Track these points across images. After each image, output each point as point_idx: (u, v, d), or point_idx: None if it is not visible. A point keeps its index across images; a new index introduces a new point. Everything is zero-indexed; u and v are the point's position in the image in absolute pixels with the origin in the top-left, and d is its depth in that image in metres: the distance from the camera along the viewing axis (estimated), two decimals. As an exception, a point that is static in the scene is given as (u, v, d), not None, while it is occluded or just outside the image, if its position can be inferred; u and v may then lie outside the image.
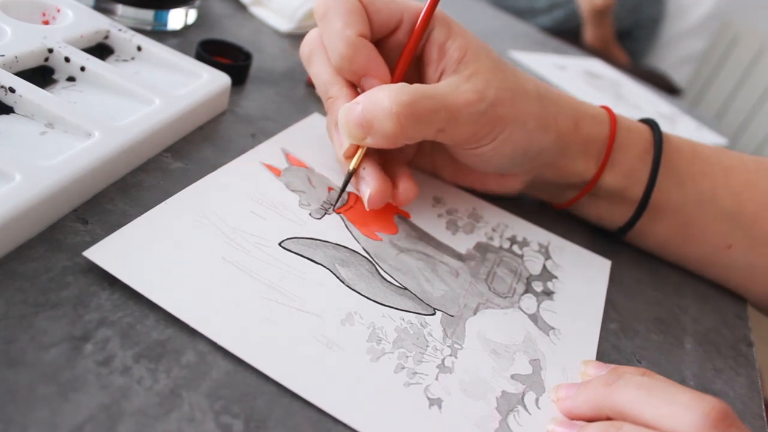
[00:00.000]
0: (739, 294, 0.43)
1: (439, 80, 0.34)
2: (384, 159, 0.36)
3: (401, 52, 0.35)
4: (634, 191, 0.39)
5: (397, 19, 0.35)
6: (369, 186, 0.33)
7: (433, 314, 0.30)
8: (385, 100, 0.31)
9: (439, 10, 0.35)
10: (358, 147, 0.33)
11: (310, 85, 0.47)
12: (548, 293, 0.35)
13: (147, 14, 0.44)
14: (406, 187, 0.35)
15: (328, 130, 0.36)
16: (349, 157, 0.34)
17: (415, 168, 0.41)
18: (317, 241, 0.31)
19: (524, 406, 0.27)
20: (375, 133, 0.31)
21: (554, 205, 0.43)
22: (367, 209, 0.34)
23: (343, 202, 0.35)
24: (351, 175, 0.34)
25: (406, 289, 0.31)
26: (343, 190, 0.34)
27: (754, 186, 0.39)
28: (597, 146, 0.38)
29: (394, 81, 0.34)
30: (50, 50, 0.34)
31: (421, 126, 0.31)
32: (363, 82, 0.34)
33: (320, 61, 0.35)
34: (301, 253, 0.30)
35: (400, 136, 0.31)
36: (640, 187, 0.39)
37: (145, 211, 0.29)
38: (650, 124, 0.40)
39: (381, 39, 0.35)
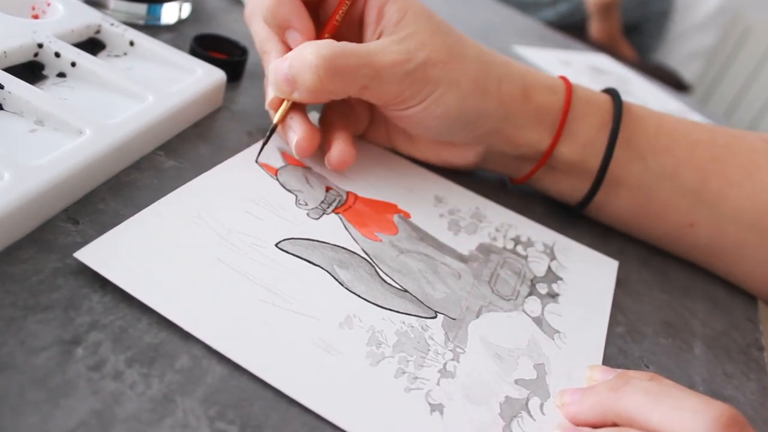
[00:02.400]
0: (705, 269, 0.43)
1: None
2: (331, 126, 0.37)
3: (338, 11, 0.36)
4: (592, 163, 0.39)
5: None
6: (296, 133, 0.35)
7: (435, 317, 0.30)
8: (308, 54, 0.32)
9: None
10: (282, 100, 0.35)
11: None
12: (553, 295, 0.35)
13: (140, 8, 0.44)
14: (341, 148, 0.35)
15: (264, 86, 0.38)
16: (275, 107, 0.35)
17: (372, 141, 0.41)
18: (315, 242, 0.31)
19: (528, 412, 0.27)
20: (299, 87, 0.33)
21: (514, 181, 0.43)
22: (296, 156, 0.35)
23: (264, 148, 0.36)
24: (275, 126, 0.35)
25: (406, 291, 0.31)
26: (266, 140, 0.35)
27: (720, 161, 0.39)
28: (551, 116, 0.38)
29: (321, 36, 0.36)
30: (40, 45, 0.34)
31: (343, 81, 0.33)
32: (287, 36, 0.35)
33: (258, 19, 0.37)
34: (298, 254, 0.30)
35: (321, 90, 0.33)
36: (598, 159, 0.39)
37: (138, 211, 0.29)
38: (612, 94, 0.40)
39: (321, 1, 0.37)
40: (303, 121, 0.35)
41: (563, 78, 0.40)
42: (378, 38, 0.35)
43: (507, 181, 0.44)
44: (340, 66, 0.32)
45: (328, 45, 0.32)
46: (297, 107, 0.35)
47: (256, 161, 0.35)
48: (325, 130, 0.37)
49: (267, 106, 0.36)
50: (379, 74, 0.33)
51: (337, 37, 0.35)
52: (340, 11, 0.36)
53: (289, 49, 0.35)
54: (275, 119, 0.35)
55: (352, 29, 0.37)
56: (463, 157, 0.40)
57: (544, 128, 0.38)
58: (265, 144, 0.35)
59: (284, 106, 0.35)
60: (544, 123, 0.38)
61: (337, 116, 0.38)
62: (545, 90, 0.38)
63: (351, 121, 0.39)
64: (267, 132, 0.35)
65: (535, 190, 0.43)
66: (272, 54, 0.36)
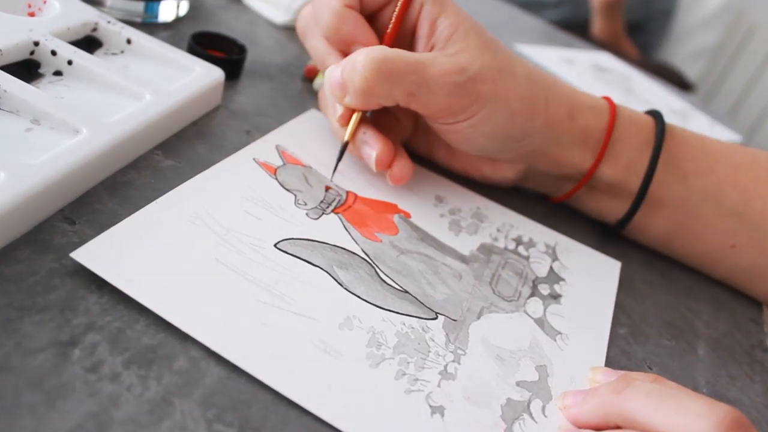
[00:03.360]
0: (747, 295, 0.43)
1: None
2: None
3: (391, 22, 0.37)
4: (633, 183, 0.39)
5: None
6: (373, 148, 0.35)
7: (435, 318, 0.30)
8: (359, 56, 0.33)
9: None
10: (352, 113, 0.36)
11: (307, 79, 0.47)
12: (555, 296, 0.35)
13: (137, 5, 0.44)
14: (402, 164, 0.36)
15: (322, 104, 0.39)
16: (344, 123, 0.36)
17: (411, 149, 0.42)
18: (314, 243, 0.31)
19: (530, 414, 0.27)
20: (349, 90, 0.34)
21: (552, 199, 0.43)
22: (375, 170, 0.36)
23: (336, 170, 0.37)
24: (347, 144, 0.36)
25: (406, 292, 0.31)
26: (339, 158, 0.36)
27: (763, 183, 0.39)
28: (594, 137, 0.38)
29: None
30: (36, 43, 0.34)
31: (390, 85, 0.33)
32: (352, 51, 0.36)
33: (315, 35, 0.37)
34: (297, 254, 0.30)
35: (368, 93, 0.33)
36: (639, 179, 0.39)
37: (135, 210, 0.29)
38: (655, 115, 0.41)
39: (375, 13, 0.38)
40: (376, 134, 0.36)
41: (607, 98, 0.40)
42: (429, 52, 0.36)
43: (546, 198, 0.44)
44: (387, 69, 0.33)
45: (378, 49, 0.33)
46: (365, 122, 0.36)
47: (331, 179, 0.36)
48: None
49: (334, 124, 0.37)
50: (427, 83, 0.33)
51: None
52: (398, 22, 0.36)
53: None
54: (347, 135, 0.36)
55: (404, 42, 0.37)
56: (503, 174, 0.40)
57: (587, 149, 0.38)
58: (338, 162, 0.36)
59: (354, 120, 0.36)
60: (588, 144, 0.38)
61: (384, 123, 0.38)
62: (590, 111, 0.38)
63: (396, 129, 0.39)
64: (338, 151, 0.36)
65: (574, 208, 0.43)
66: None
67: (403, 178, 0.36)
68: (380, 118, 0.39)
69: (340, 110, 0.36)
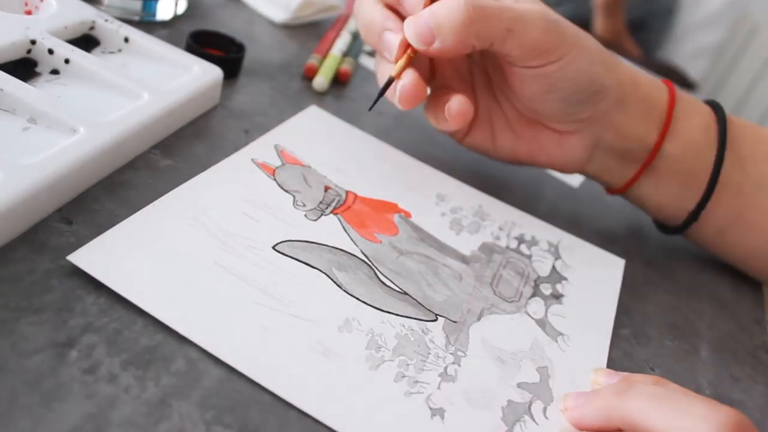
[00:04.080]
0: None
1: None
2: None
3: None
4: (695, 166, 0.39)
5: None
6: (402, 80, 0.35)
7: (435, 320, 0.30)
8: (452, 1, 0.33)
9: None
10: (405, 52, 0.36)
11: (306, 78, 0.47)
12: (557, 297, 0.35)
13: (135, 4, 0.44)
14: (459, 99, 0.36)
15: (377, 70, 0.39)
16: (398, 60, 0.36)
17: (474, 145, 0.41)
18: (313, 244, 0.31)
19: (531, 416, 0.27)
20: (443, 33, 0.33)
21: (613, 191, 0.42)
22: (399, 106, 0.36)
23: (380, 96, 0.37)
24: (392, 80, 0.36)
25: (406, 294, 0.31)
26: (381, 93, 0.36)
27: None
28: (657, 110, 0.39)
29: None
30: (33, 42, 0.34)
31: (490, 21, 0.33)
32: (403, 1, 0.36)
33: (370, 2, 0.37)
34: (296, 256, 0.30)
35: (469, 31, 0.33)
36: (700, 163, 0.39)
37: (133, 211, 0.29)
38: (711, 103, 0.41)
39: None
40: (413, 72, 0.36)
41: (665, 80, 0.41)
42: None
43: (604, 191, 0.43)
44: (486, 6, 0.33)
45: None
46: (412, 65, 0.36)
47: (370, 109, 0.37)
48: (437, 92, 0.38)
49: (391, 71, 0.36)
50: (523, 18, 0.34)
51: None
52: None
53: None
54: (395, 69, 0.36)
55: None
56: (571, 150, 0.40)
57: (651, 122, 0.38)
58: (380, 96, 0.36)
59: (403, 59, 0.36)
60: (651, 116, 0.38)
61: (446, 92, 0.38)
62: (651, 83, 0.39)
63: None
64: (382, 85, 0.36)
65: (633, 204, 0.43)
66: (379, 18, 0.36)
67: (461, 114, 0.36)
68: (441, 92, 0.38)
69: (393, 51, 0.36)
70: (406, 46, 0.36)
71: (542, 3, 0.36)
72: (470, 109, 0.37)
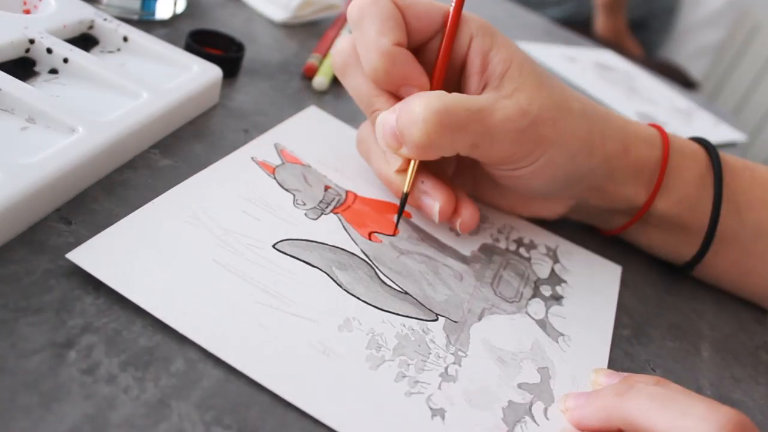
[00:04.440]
0: None
1: (481, 93, 0.34)
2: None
3: (436, 58, 0.34)
4: (688, 219, 0.38)
5: (438, 24, 0.34)
6: (436, 199, 0.34)
7: (436, 320, 0.30)
8: (417, 106, 0.31)
9: (483, 20, 0.35)
10: (409, 162, 0.34)
11: (306, 77, 0.47)
12: (557, 298, 0.35)
13: (134, 3, 0.44)
14: (470, 211, 0.35)
15: (364, 149, 0.37)
16: (403, 173, 0.34)
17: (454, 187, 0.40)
18: (313, 243, 0.31)
19: (532, 417, 0.27)
20: (406, 142, 0.31)
21: (602, 232, 0.42)
22: (437, 222, 0.35)
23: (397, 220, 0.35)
24: (407, 195, 0.34)
25: (407, 293, 0.31)
26: (401, 212, 0.35)
27: None
28: (648, 171, 0.37)
29: (433, 88, 0.34)
30: (31, 41, 0.34)
31: (452, 137, 0.31)
32: (402, 92, 0.33)
33: (357, 73, 0.34)
34: (296, 255, 0.30)
35: (429, 147, 0.31)
36: (695, 215, 0.38)
37: (132, 210, 0.29)
38: (703, 144, 0.40)
39: (422, 45, 0.35)
40: (438, 184, 0.34)
41: (657, 127, 0.39)
42: (483, 89, 0.34)
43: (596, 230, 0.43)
44: (449, 122, 0.31)
45: (437, 96, 0.31)
46: (422, 170, 0.35)
47: (395, 229, 0.35)
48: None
49: (387, 172, 0.35)
50: (490, 132, 0.32)
51: (443, 86, 0.34)
52: (446, 57, 0.34)
53: (398, 100, 0.34)
54: (406, 186, 0.34)
55: (453, 77, 0.35)
56: (553, 210, 0.39)
57: (641, 183, 0.37)
58: (399, 218, 0.35)
59: (411, 169, 0.34)
60: (642, 178, 0.37)
61: (429, 163, 0.35)
62: (643, 144, 0.37)
63: (443, 167, 0.38)
64: (400, 202, 0.34)
65: (627, 241, 0.43)
66: (383, 111, 0.34)
67: (472, 226, 0.35)
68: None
69: (393, 159, 0.34)
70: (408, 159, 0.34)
71: (533, 74, 0.33)
72: (477, 219, 0.35)
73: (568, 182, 0.36)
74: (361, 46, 0.33)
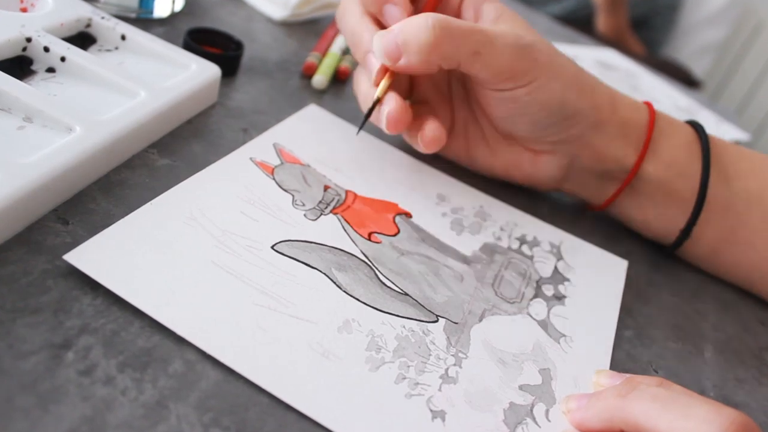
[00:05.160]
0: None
1: None
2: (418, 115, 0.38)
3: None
4: (678, 185, 0.39)
5: None
6: (387, 105, 0.36)
7: (436, 321, 0.30)
8: (421, 18, 0.34)
9: None
10: (385, 74, 0.36)
11: (305, 76, 0.47)
12: (559, 298, 0.35)
13: (131, 1, 0.44)
14: (433, 126, 0.37)
15: (355, 83, 0.40)
16: (378, 83, 0.37)
17: (449, 155, 0.42)
18: (312, 244, 0.31)
19: (533, 419, 0.27)
20: (409, 50, 0.34)
21: (594, 207, 0.43)
22: (386, 131, 0.36)
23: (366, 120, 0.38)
24: (376, 102, 0.36)
25: (407, 294, 0.31)
26: (367, 117, 0.37)
27: None
28: (636, 132, 0.39)
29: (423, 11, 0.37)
30: (28, 39, 0.34)
31: (457, 42, 0.34)
32: (385, 10, 0.37)
33: (351, 13, 0.38)
34: (295, 256, 0.30)
35: (435, 50, 0.33)
36: (686, 181, 0.39)
37: (130, 211, 0.29)
38: (692, 123, 0.41)
39: None
40: (397, 96, 0.36)
41: (645, 102, 0.41)
42: None
43: (586, 208, 0.44)
44: (454, 27, 0.33)
45: (438, 14, 0.34)
46: (391, 88, 0.37)
47: (357, 134, 0.39)
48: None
49: (364, 90, 0.38)
50: (492, 42, 0.34)
51: None
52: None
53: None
54: (378, 91, 0.36)
55: None
56: (546, 169, 0.40)
57: (629, 144, 0.39)
58: (365, 120, 0.37)
59: (385, 81, 0.36)
60: (630, 138, 0.38)
61: (423, 111, 0.39)
62: (630, 106, 0.39)
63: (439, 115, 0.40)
64: (366, 110, 0.37)
65: (621, 221, 0.43)
66: (366, 36, 0.37)
67: (434, 141, 0.37)
68: (419, 110, 0.39)
69: (376, 71, 0.36)
70: (386, 68, 0.36)
71: (524, 25, 0.37)
72: (443, 136, 0.37)
73: (559, 117, 0.37)
74: None
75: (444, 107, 0.41)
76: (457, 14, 0.38)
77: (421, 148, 0.37)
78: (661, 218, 0.41)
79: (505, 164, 0.41)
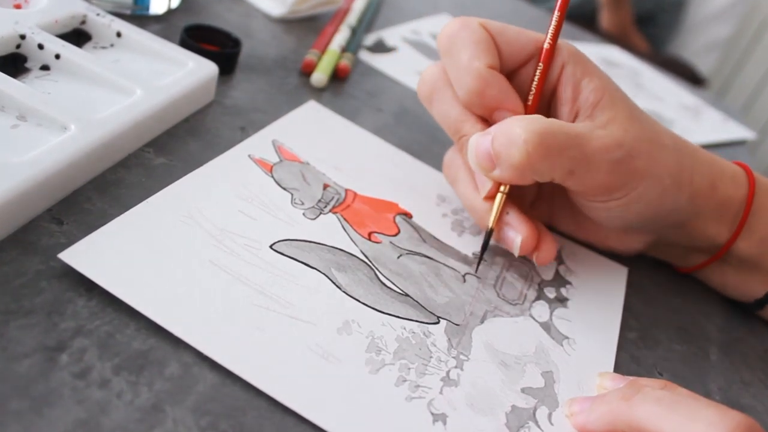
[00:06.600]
0: None
1: (573, 122, 0.34)
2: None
3: (533, 84, 0.35)
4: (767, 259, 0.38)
5: (528, 51, 0.35)
6: (519, 232, 0.34)
7: (437, 323, 0.30)
8: (516, 128, 0.31)
9: (573, 47, 0.35)
10: (498, 189, 0.34)
11: (304, 74, 0.47)
12: (562, 300, 0.35)
13: (127, -3, 0.44)
14: (548, 247, 0.35)
15: (452, 171, 0.37)
16: (490, 200, 0.34)
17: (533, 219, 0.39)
18: (311, 244, 0.31)
19: (536, 422, 0.27)
20: (502, 164, 0.32)
21: (677, 269, 0.42)
22: (517, 256, 0.34)
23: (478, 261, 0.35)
24: (492, 231, 0.34)
25: (407, 295, 0.31)
26: (484, 250, 0.34)
27: None
28: (732, 209, 0.37)
29: (528, 113, 0.34)
30: (22, 36, 0.34)
31: (551, 161, 0.31)
32: (495, 116, 0.34)
33: (446, 98, 0.35)
34: (294, 256, 0.30)
35: (528, 169, 0.31)
36: None
37: (125, 210, 0.29)
38: None
39: (511, 72, 0.36)
40: (522, 216, 0.34)
41: (742, 165, 0.39)
42: (575, 118, 0.34)
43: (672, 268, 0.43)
44: (549, 144, 0.31)
45: (537, 120, 0.31)
46: (508, 202, 0.35)
47: (475, 273, 0.34)
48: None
49: (473, 201, 0.35)
50: (587, 159, 0.32)
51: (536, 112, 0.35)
52: (542, 82, 0.35)
53: (486, 125, 0.34)
54: (491, 220, 0.34)
55: (543, 104, 0.36)
56: (630, 245, 0.40)
57: (724, 222, 0.37)
58: (482, 254, 0.34)
59: (499, 200, 0.34)
60: (724, 216, 0.37)
61: (510, 190, 0.35)
62: (730, 182, 0.37)
63: (523, 196, 0.38)
64: (484, 237, 0.34)
65: (698, 279, 0.42)
66: (471, 135, 0.34)
67: (549, 260, 0.35)
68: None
69: (483, 185, 0.34)
70: (498, 185, 0.34)
71: (626, 109, 0.34)
72: (554, 253, 0.35)
73: (654, 218, 0.35)
74: (454, 70, 0.34)
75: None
76: (554, 92, 0.35)
77: (530, 258, 0.35)
78: (741, 285, 0.40)
79: (589, 236, 0.40)
